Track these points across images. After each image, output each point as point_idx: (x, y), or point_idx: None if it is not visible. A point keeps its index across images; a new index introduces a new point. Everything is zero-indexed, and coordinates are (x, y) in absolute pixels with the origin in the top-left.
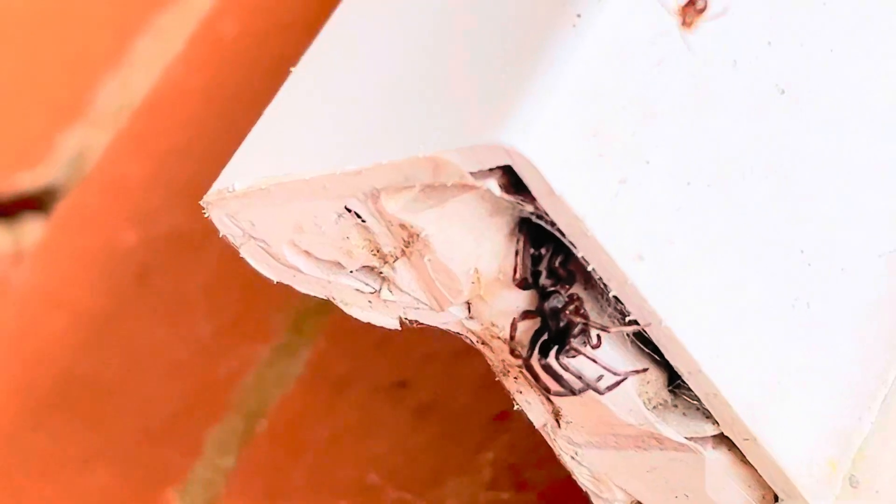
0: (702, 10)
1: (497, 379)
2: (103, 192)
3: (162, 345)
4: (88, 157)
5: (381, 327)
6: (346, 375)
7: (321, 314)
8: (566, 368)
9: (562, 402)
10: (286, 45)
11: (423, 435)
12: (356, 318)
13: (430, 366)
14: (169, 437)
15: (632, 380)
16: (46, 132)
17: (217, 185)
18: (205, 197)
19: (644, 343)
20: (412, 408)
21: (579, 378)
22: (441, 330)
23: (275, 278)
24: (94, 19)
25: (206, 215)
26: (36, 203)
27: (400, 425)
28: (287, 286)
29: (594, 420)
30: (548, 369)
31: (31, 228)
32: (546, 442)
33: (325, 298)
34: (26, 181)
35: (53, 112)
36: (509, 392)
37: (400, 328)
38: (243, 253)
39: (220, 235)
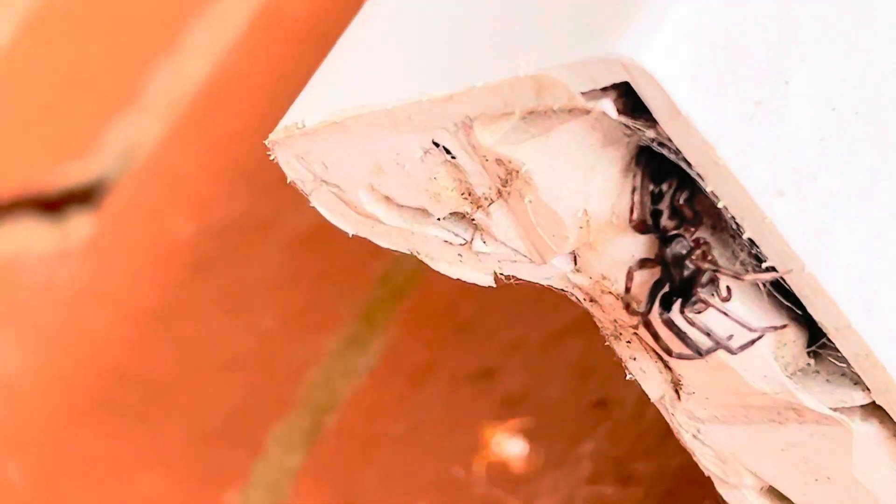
0: None
1: (607, 343)
2: (156, 183)
3: (220, 339)
4: (140, 148)
5: (463, 311)
6: (424, 366)
7: (394, 301)
8: (692, 324)
9: (683, 369)
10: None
11: (512, 427)
12: (435, 302)
13: (518, 353)
14: (228, 436)
15: (768, 339)
16: (95, 122)
17: (284, 122)
18: (270, 135)
19: (783, 295)
20: (499, 399)
21: (707, 335)
22: (529, 313)
23: (351, 230)
24: (146, 3)
25: (270, 158)
26: (84, 197)
27: (486, 418)
28: (357, 272)
29: (721, 389)
30: (670, 326)
31: (79, 223)
32: (654, 430)
33: (408, 253)
34: (74, 174)
35: (103, 101)
36: (620, 359)
37: (494, 285)
38: (314, 201)
39: (288, 181)
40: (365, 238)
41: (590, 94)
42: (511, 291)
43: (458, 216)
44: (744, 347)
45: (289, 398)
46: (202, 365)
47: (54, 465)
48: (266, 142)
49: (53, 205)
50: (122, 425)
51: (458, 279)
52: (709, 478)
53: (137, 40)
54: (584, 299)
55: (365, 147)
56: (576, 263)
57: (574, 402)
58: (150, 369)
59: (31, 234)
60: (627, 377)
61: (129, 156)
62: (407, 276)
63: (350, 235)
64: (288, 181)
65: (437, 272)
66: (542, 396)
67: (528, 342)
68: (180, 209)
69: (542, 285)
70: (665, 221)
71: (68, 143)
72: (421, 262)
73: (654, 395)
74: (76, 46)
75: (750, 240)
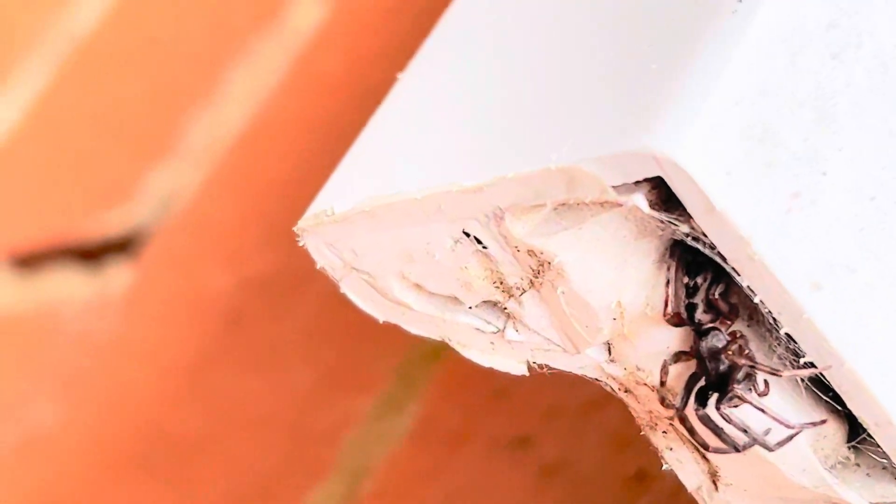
0: None
1: (642, 433)
2: (193, 233)
3: (255, 397)
4: (178, 197)
5: (500, 376)
6: (461, 431)
7: (431, 362)
8: (728, 420)
9: (721, 461)
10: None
11: (548, 497)
12: (472, 365)
13: (556, 421)
14: (262, 499)
15: (806, 434)
16: (133, 170)
17: (313, 209)
18: (299, 222)
19: (822, 390)
20: (535, 467)
21: (744, 431)
22: (567, 380)
23: (381, 317)
24: (185, 51)
25: (300, 244)
26: (122, 246)
27: (521, 487)
28: (393, 330)
29: (759, 481)
30: (706, 421)
31: (117, 273)
32: None
33: (440, 340)
34: (112, 222)
35: (140, 149)
36: (657, 449)
37: (527, 373)
38: (344, 288)
39: (318, 267)
40: None
41: (622, 188)
42: None
43: (491, 305)
44: (781, 444)
45: (324, 461)
46: (236, 424)
47: None
48: (295, 229)
49: (91, 254)
50: (155, 484)
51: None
52: None
53: (176, 88)
54: (619, 389)
55: (395, 235)
56: (610, 354)
57: (612, 473)
58: (184, 427)
59: (69, 283)
60: (664, 467)
61: (167, 204)
62: None
63: (381, 322)
64: (318, 267)
65: None
66: (579, 466)
67: (566, 410)
68: (217, 260)
69: (570, 377)
70: (700, 315)
71: (106, 191)
72: None
73: (690, 486)
74: (114, 94)
75: (787, 335)
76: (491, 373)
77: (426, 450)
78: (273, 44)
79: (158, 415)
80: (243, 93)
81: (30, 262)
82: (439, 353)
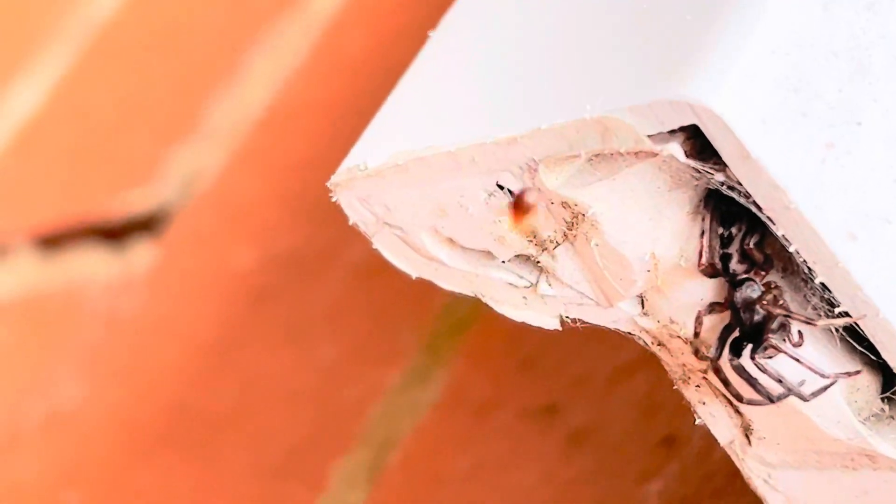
0: None
1: (675, 387)
2: (218, 211)
3: (281, 373)
4: (202, 176)
5: (527, 346)
6: (488, 400)
7: (457, 334)
8: (763, 370)
9: (754, 414)
10: (416, 53)
11: (577, 465)
12: (499, 336)
13: (584, 388)
14: (289, 471)
15: (840, 385)
16: (157, 150)
17: (346, 164)
18: (332, 177)
19: (856, 340)
20: (564, 435)
21: (779, 382)
22: (595, 348)
23: (414, 273)
24: (208, 32)
25: (333, 199)
26: (146, 225)
27: (550, 454)
28: (420, 303)
29: (793, 435)
30: (740, 372)
31: (141, 252)
32: (723, 470)
33: (467, 311)
34: (136, 202)
35: (165, 129)
36: (689, 403)
37: (560, 328)
38: (376, 243)
39: (350, 223)
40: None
41: (657, 137)
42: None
43: (524, 259)
44: (816, 394)
45: (351, 433)
46: (263, 398)
47: (114, 499)
48: (328, 184)
49: (115, 233)
50: (181, 459)
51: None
52: None
53: (199, 68)
54: (652, 343)
55: (428, 189)
56: (643, 307)
57: (640, 439)
58: (210, 402)
59: (93, 262)
60: (696, 422)
61: (191, 183)
62: (470, 308)
63: (413, 278)
64: (350, 223)
65: None
66: (607, 433)
67: (594, 377)
68: (241, 238)
69: (609, 328)
70: (735, 265)
71: (130, 170)
72: None
73: (723, 440)
74: (138, 74)
75: (822, 284)
76: (518, 343)
77: (453, 420)
78: (295, 24)
79: (184, 391)
80: (266, 73)
81: (54, 241)
82: (466, 324)
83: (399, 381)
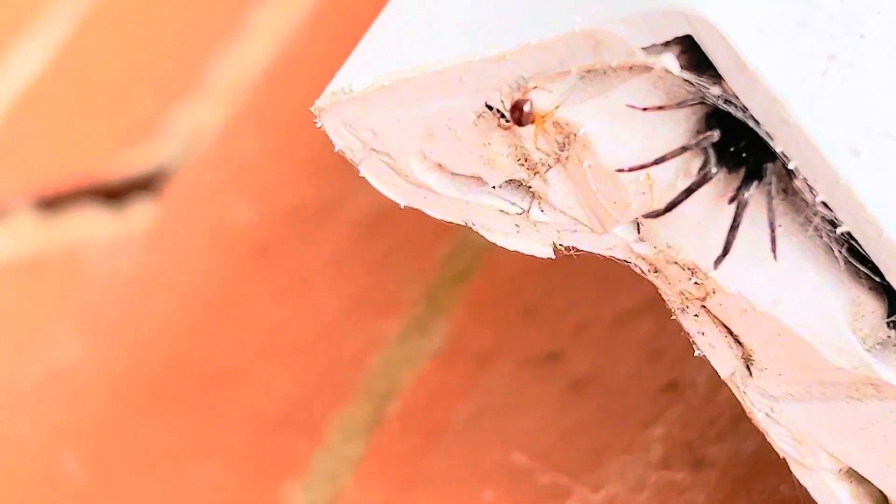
0: None
1: (673, 318)
2: (218, 168)
3: (280, 326)
4: (202, 135)
5: (528, 294)
6: (489, 350)
7: (458, 284)
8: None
9: (755, 343)
10: None
11: (580, 411)
12: (500, 285)
13: (585, 335)
14: (287, 424)
15: (844, 311)
16: (156, 109)
17: (331, 87)
18: (317, 101)
19: (860, 262)
20: (566, 382)
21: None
22: (596, 294)
23: (402, 201)
24: None
25: (318, 125)
26: (146, 184)
27: (552, 401)
28: (419, 255)
29: (795, 364)
30: None
31: (141, 211)
32: (727, 414)
33: (463, 224)
34: (135, 162)
35: (164, 88)
36: (687, 334)
37: (553, 256)
38: (363, 171)
39: (336, 150)
40: (425, 217)
41: (650, 50)
42: (578, 272)
43: (515, 184)
44: None
45: (350, 385)
46: (262, 352)
47: (111, 455)
48: (312, 108)
49: (115, 193)
50: (180, 414)
51: (519, 254)
52: (784, 462)
53: (199, 25)
54: (648, 270)
55: (415, 112)
56: (639, 232)
57: (643, 384)
58: (209, 357)
59: (93, 222)
60: (696, 353)
61: (191, 142)
62: (471, 258)
63: (402, 206)
64: (336, 150)
65: (502, 254)
66: (610, 379)
67: (596, 324)
68: (242, 195)
69: (604, 256)
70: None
71: (129, 130)
72: (485, 244)
73: (724, 372)
74: (137, 32)
75: (823, 203)
76: (519, 292)
77: (454, 369)
78: None
79: (184, 347)
80: (267, 29)
81: (54, 202)
82: (467, 275)
83: (399, 332)
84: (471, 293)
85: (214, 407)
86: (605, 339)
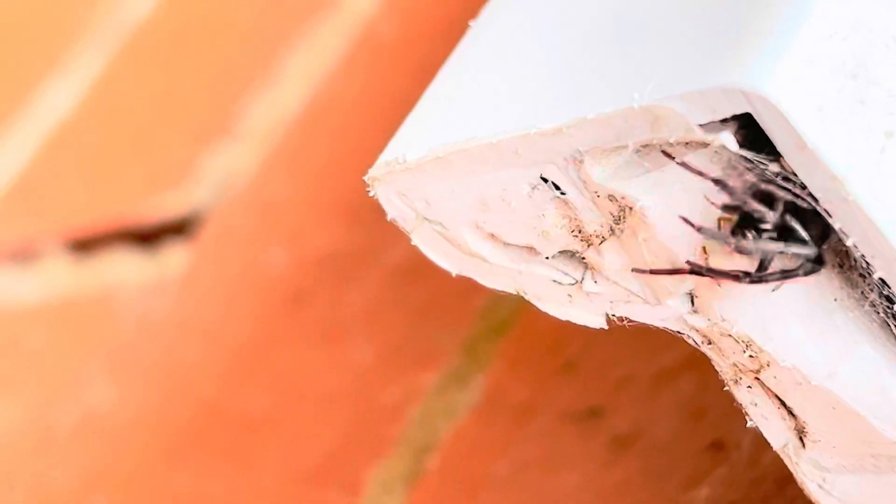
0: None
1: (725, 388)
2: (252, 212)
3: (316, 374)
4: (236, 178)
5: (568, 349)
6: (528, 404)
7: (497, 336)
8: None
9: (809, 416)
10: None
11: (622, 469)
12: (540, 339)
13: (627, 390)
14: (324, 476)
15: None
16: (191, 152)
17: (385, 157)
18: (370, 171)
19: None
20: (607, 439)
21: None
22: (638, 350)
23: (454, 270)
24: (242, 31)
25: (370, 194)
26: (179, 228)
27: (593, 458)
28: (459, 305)
29: (849, 437)
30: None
31: (174, 254)
32: (772, 475)
33: (514, 294)
34: (169, 205)
35: (198, 131)
36: (741, 405)
37: (606, 326)
38: (415, 239)
39: (389, 218)
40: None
41: (708, 127)
42: (617, 327)
43: (568, 254)
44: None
45: (388, 437)
46: (298, 401)
47: (144, 502)
48: (366, 178)
49: (148, 236)
50: (214, 463)
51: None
52: None
53: (233, 69)
54: (702, 342)
55: (469, 183)
56: (693, 304)
57: (687, 443)
58: (244, 405)
59: (126, 266)
60: (748, 424)
61: (225, 186)
62: (510, 309)
63: (454, 275)
64: (388, 218)
65: None
66: (652, 437)
67: (638, 380)
68: (276, 240)
69: (657, 327)
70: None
71: (162, 173)
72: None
73: (776, 443)
74: (171, 75)
75: (881, 280)
76: (559, 346)
77: (493, 424)
78: (330, 22)
79: (217, 394)
80: (301, 72)
81: (87, 245)
82: (506, 327)
83: (437, 384)
84: (509, 345)
85: (248, 455)
86: (646, 395)
